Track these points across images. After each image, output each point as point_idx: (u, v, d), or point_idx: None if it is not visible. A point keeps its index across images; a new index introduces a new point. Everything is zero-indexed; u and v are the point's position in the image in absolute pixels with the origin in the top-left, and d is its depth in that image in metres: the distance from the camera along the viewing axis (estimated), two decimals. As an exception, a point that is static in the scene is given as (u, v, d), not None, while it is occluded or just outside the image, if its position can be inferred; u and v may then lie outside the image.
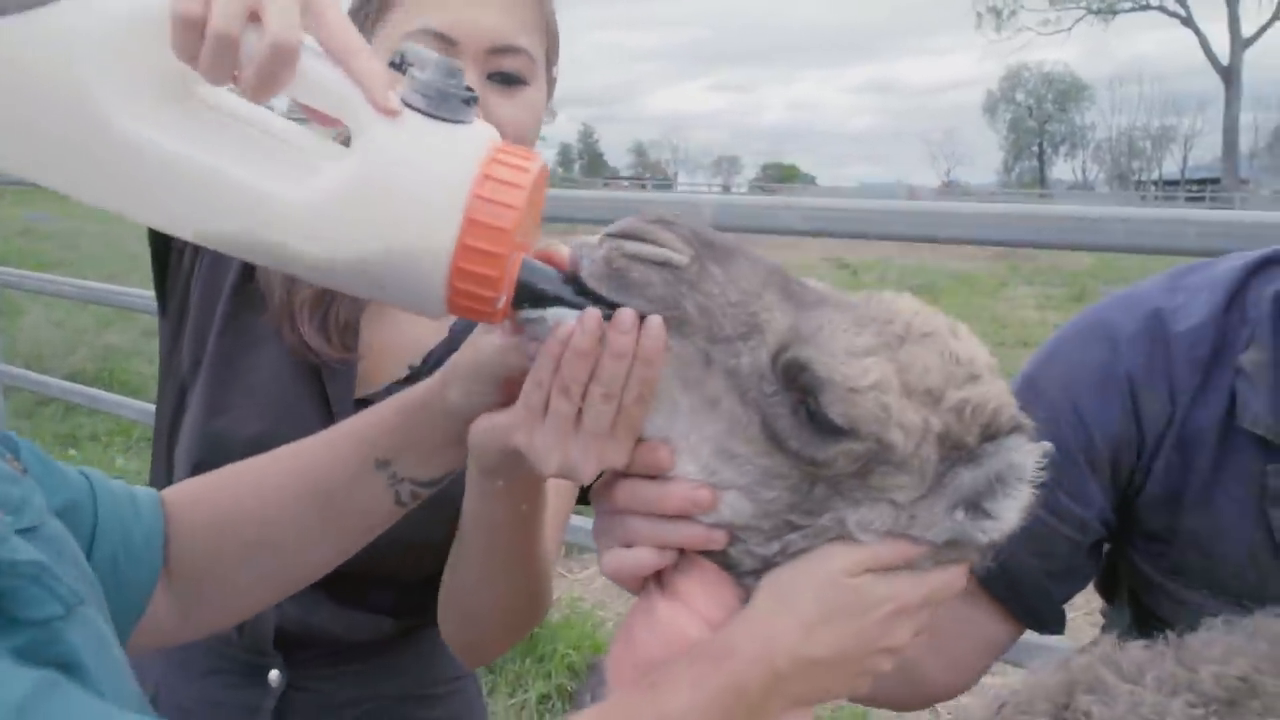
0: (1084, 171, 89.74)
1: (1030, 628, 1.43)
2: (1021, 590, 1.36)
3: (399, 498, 1.07)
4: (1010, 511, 0.93)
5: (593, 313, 0.86)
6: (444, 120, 0.83)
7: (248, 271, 1.37)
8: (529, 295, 0.87)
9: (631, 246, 0.88)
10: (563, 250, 0.92)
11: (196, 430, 1.34)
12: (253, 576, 1.07)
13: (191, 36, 0.76)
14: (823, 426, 0.90)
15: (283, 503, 1.05)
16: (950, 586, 0.98)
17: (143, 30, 0.78)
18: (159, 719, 0.71)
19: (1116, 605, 1.59)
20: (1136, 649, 1.11)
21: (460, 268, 0.82)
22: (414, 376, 1.33)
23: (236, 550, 1.05)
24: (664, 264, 0.88)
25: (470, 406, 1.00)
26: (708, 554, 0.96)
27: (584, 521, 4.02)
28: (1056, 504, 1.32)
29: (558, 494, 1.33)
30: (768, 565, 0.95)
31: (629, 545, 0.96)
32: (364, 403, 1.26)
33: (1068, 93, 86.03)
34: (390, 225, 0.81)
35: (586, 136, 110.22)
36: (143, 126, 0.79)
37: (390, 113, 0.80)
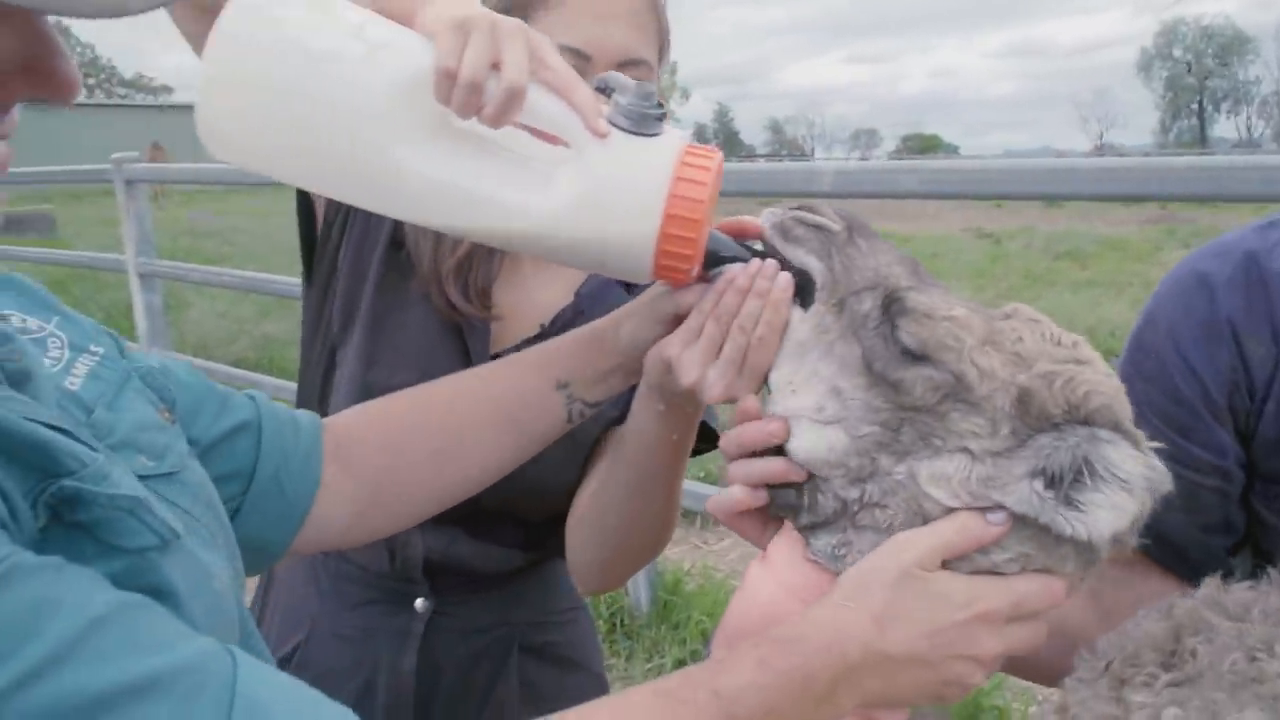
0: (1249, 128, 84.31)
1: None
2: (1184, 552, 1.35)
3: (570, 416, 1.26)
4: (1101, 509, 0.92)
5: (753, 261, 1.09)
6: (643, 135, 1.05)
7: (397, 241, 1.49)
8: (714, 260, 1.11)
9: (800, 214, 1.08)
10: (754, 220, 1.14)
11: (355, 381, 1.47)
12: (433, 484, 1.23)
13: (448, 85, 1.00)
14: (902, 348, 1.00)
15: (470, 415, 1.22)
16: (1042, 597, 0.96)
17: (416, 86, 1.02)
18: (242, 650, 0.74)
19: (1240, 555, 1.57)
20: (1241, 589, 1.09)
21: (664, 249, 1.05)
22: (543, 335, 1.45)
23: (420, 457, 1.20)
24: (820, 228, 1.07)
25: (636, 342, 1.20)
26: (797, 507, 1.03)
27: (714, 491, 4.09)
28: (1192, 457, 1.32)
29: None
30: (846, 513, 1.00)
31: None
32: (497, 357, 1.41)
33: (1229, 46, 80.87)
34: (611, 223, 1.06)
35: (722, 115, 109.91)
36: (413, 156, 1.04)
37: (601, 134, 1.03)
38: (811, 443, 1.02)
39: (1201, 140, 78.66)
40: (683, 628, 4.08)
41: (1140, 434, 0.96)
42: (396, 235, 1.49)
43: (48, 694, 0.63)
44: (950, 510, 0.96)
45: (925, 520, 0.97)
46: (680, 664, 3.93)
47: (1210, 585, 1.10)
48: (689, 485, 3.95)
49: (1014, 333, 0.98)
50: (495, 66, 1.01)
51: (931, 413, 0.98)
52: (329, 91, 1.01)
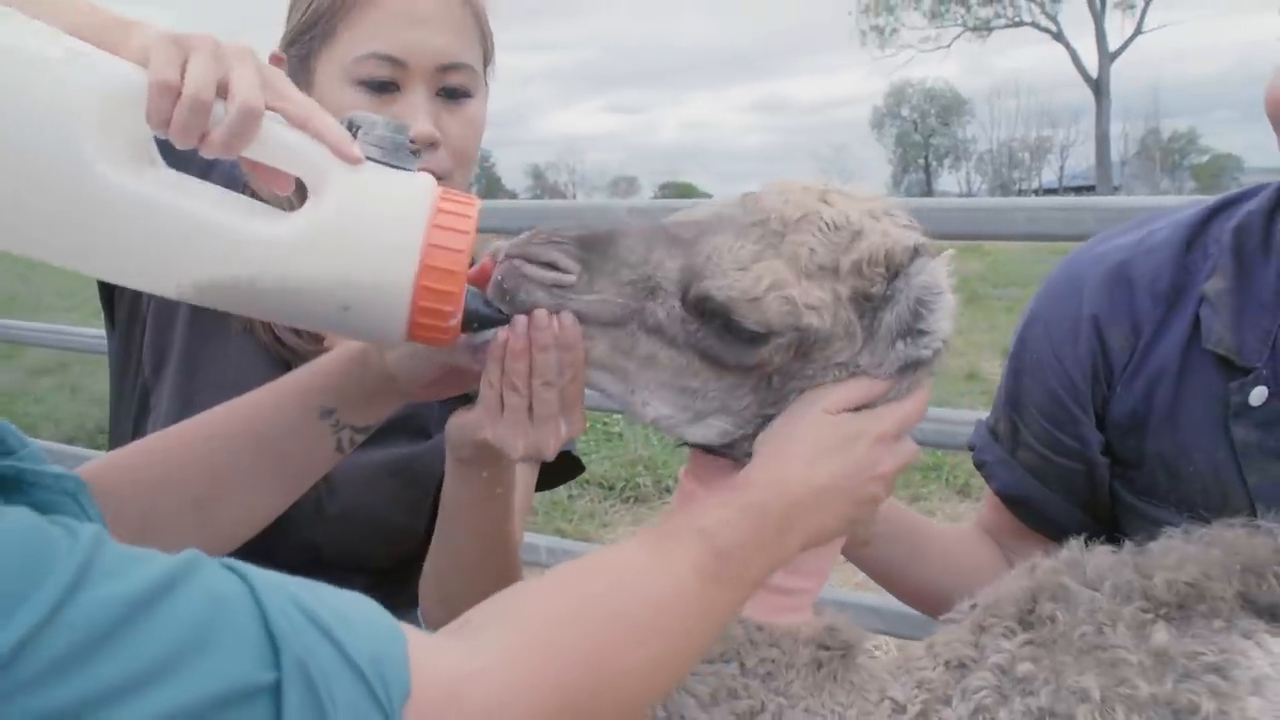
0: (969, 183, 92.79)
1: None
2: (1063, 527, 1.44)
3: (339, 444, 1.18)
4: (941, 322, 1.08)
5: (520, 319, 1.02)
6: (396, 168, 0.96)
7: None
8: (476, 319, 1.02)
9: (527, 270, 1.02)
10: (487, 262, 1.06)
11: (170, 423, 1.34)
12: (195, 535, 1.09)
13: (166, 101, 0.86)
14: (745, 336, 1.03)
15: (232, 453, 1.11)
16: (916, 412, 1.13)
17: (124, 101, 0.86)
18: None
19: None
20: (1101, 554, 1.19)
21: (421, 305, 0.94)
22: None
23: (175, 509, 1.09)
24: (558, 285, 1.03)
25: (404, 369, 1.14)
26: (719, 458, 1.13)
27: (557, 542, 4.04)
28: (1063, 446, 1.45)
29: (521, 498, 1.42)
30: None
31: None
32: None
33: (950, 107, 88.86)
34: (359, 261, 0.92)
35: (483, 160, 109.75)
36: (125, 178, 0.86)
37: (355, 160, 0.92)
38: (700, 435, 1.10)
39: (928, 192, 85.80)
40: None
41: (917, 238, 1.10)
42: None
43: (81, 615, 0.63)
44: None
45: None
46: None
47: (1073, 547, 1.21)
48: (534, 538, 3.87)
49: (804, 249, 1.05)
50: (222, 88, 0.89)
51: (797, 361, 1.08)
52: (28, 104, 0.82)
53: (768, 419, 1.10)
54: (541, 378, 1.02)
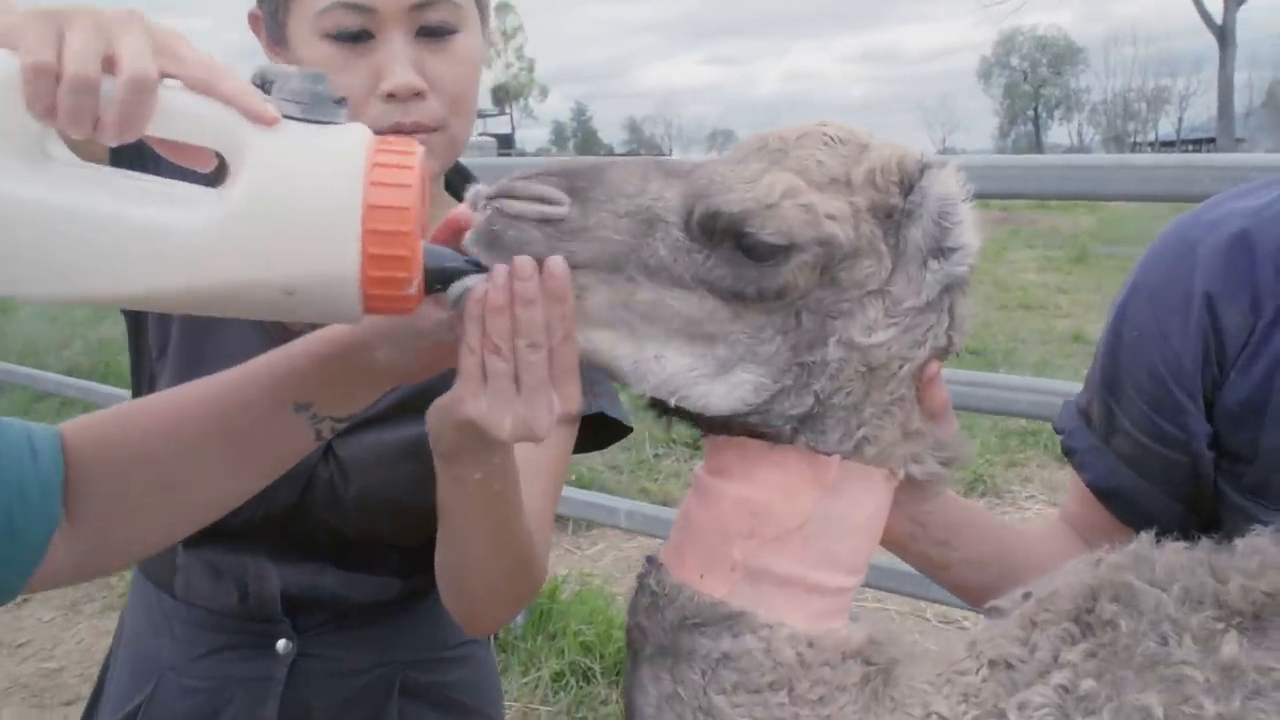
0: (1080, 135, 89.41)
1: None
2: (1156, 519, 1.29)
3: (319, 434, 1.07)
4: (968, 234, 0.99)
5: (500, 268, 0.89)
6: (320, 123, 0.84)
7: None
8: (439, 277, 0.90)
9: (512, 206, 0.91)
10: (468, 213, 0.93)
11: None
12: (163, 515, 1.07)
13: (46, 86, 0.75)
14: (763, 254, 0.93)
15: (196, 440, 1.04)
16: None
17: None
18: None
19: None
20: (1174, 551, 1.07)
21: (371, 275, 0.83)
22: None
23: (145, 490, 1.04)
24: (545, 220, 0.91)
25: (395, 367, 1.01)
26: (738, 433, 1.01)
27: (592, 497, 3.98)
28: (1164, 433, 1.29)
29: (549, 464, 1.32)
30: (809, 420, 0.99)
31: None
32: None
33: (1062, 56, 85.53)
34: (293, 238, 0.81)
35: (580, 114, 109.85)
36: (20, 187, 0.77)
37: (270, 121, 0.81)
38: (721, 398, 0.97)
39: (1037, 145, 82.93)
40: (560, 638, 3.94)
41: (922, 152, 1.03)
42: None
43: None
44: (891, 346, 1.00)
45: (879, 370, 1.00)
46: (558, 676, 3.80)
47: (1144, 541, 1.10)
48: (614, 501, 3.81)
49: (811, 161, 0.97)
50: (108, 64, 0.77)
51: (821, 287, 0.97)
52: None
53: (806, 370, 0.97)
54: (527, 338, 0.89)
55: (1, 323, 8.72)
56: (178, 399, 1.06)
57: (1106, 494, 1.39)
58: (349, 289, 0.83)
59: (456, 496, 1.08)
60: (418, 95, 1.24)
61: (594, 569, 4.84)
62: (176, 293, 0.82)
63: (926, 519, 1.26)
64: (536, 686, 3.72)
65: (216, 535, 1.32)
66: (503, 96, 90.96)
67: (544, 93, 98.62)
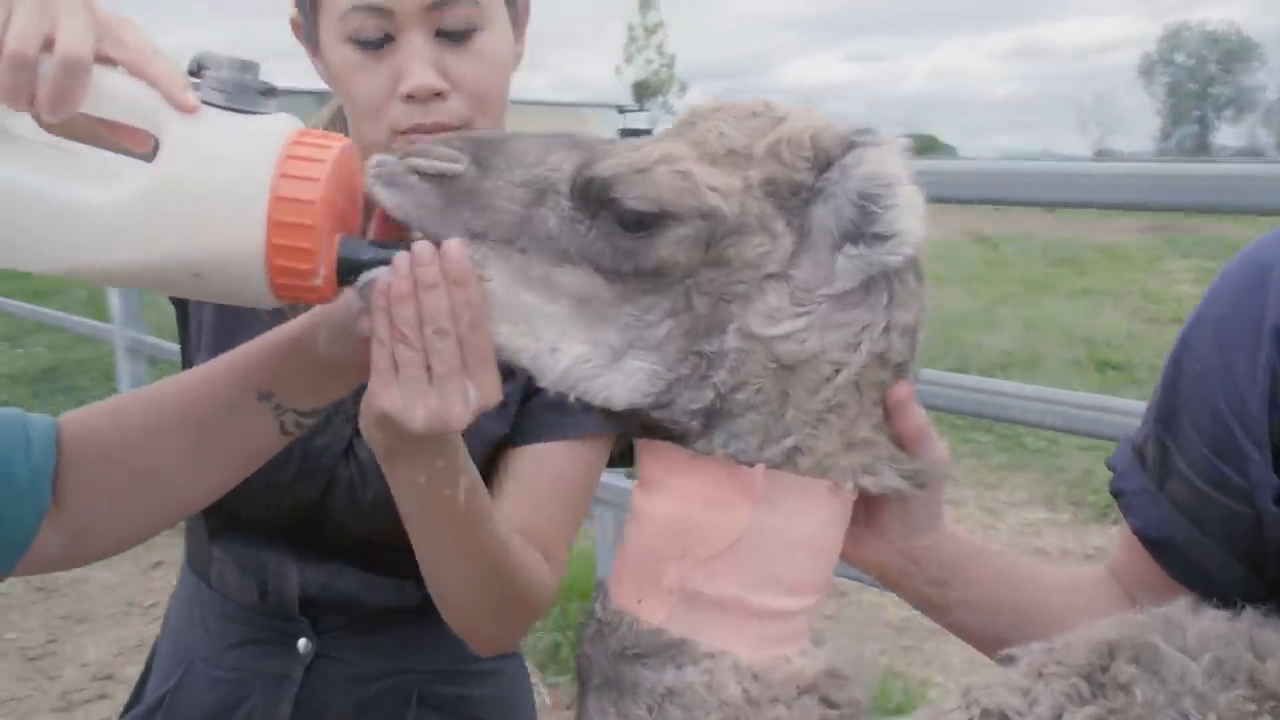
0: (1253, 137, 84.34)
1: None
2: (1213, 580, 1.16)
3: (284, 427, 1.09)
4: (903, 219, 0.87)
5: (400, 255, 0.89)
6: (242, 112, 0.88)
7: None
8: (352, 268, 0.91)
9: (412, 161, 0.91)
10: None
11: None
12: (140, 506, 1.11)
13: None
14: (634, 223, 0.88)
15: (167, 434, 1.08)
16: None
17: None
18: None
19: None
20: (1212, 617, 0.97)
21: (276, 264, 0.86)
22: None
23: (124, 480, 1.08)
24: (441, 175, 0.90)
25: (336, 353, 1.03)
26: (658, 435, 0.95)
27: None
28: (1219, 476, 1.14)
29: (564, 484, 1.33)
30: (715, 416, 0.91)
31: None
32: None
33: (1234, 52, 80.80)
34: (201, 223, 0.85)
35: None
36: None
37: (188, 108, 0.85)
38: (620, 389, 0.92)
39: (1203, 147, 78.76)
40: (564, 613, 3.98)
41: (862, 127, 0.91)
42: None
43: None
44: (803, 339, 0.90)
45: (788, 365, 0.90)
46: (555, 649, 3.84)
47: (1180, 603, 1.00)
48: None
49: (713, 133, 0.91)
50: (49, 44, 0.82)
51: (709, 267, 0.90)
52: None
53: (705, 360, 0.90)
54: (433, 324, 0.88)
55: (153, 300, 9.21)
56: (158, 390, 1.11)
57: (1156, 544, 1.21)
58: (254, 274, 0.87)
59: (407, 501, 1.07)
60: (438, 95, 1.24)
61: (588, 532, 4.76)
62: (95, 269, 0.87)
63: (920, 555, 1.13)
64: (531, 660, 3.80)
65: (242, 530, 1.39)
66: (642, 92, 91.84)
67: (684, 88, 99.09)
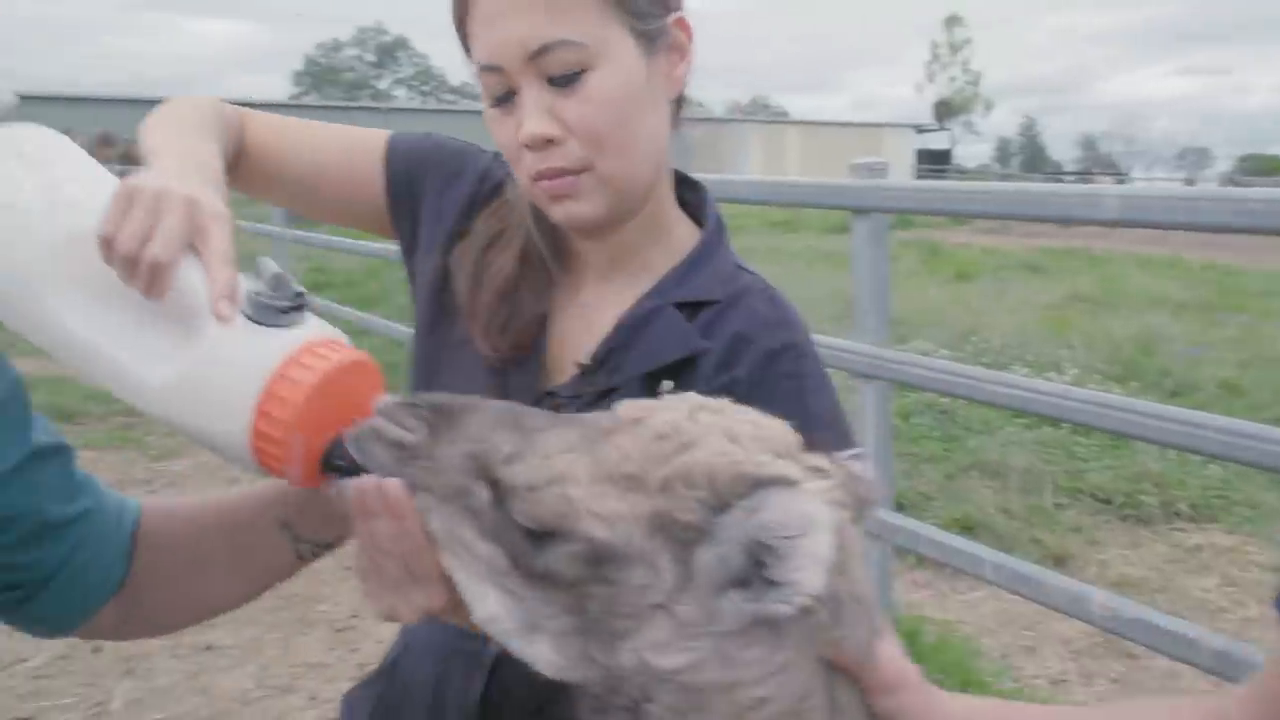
0: None
1: None
2: None
3: (301, 554, 1.23)
4: (801, 573, 0.82)
5: (352, 484, 1.00)
6: (265, 326, 1.02)
7: (443, 280, 1.43)
8: (330, 468, 1.04)
9: (376, 425, 0.98)
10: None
11: None
12: (186, 596, 1.25)
13: (106, 251, 1.01)
14: (529, 536, 0.90)
15: (211, 537, 1.23)
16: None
17: (86, 245, 1.03)
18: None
19: None
20: None
21: (259, 448, 1.02)
22: (587, 369, 1.34)
23: (179, 569, 1.23)
24: (399, 444, 0.97)
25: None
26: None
27: (960, 543, 3.72)
28: None
29: None
30: (638, 714, 0.89)
31: None
32: (551, 395, 1.33)
33: None
34: (212, 412, 1.03)
35: (1028, 129, 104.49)
36: (70, 314, 1.05)
37: (221, 317, 1.00)
38: (538, 655, 0.93)
39: None
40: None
41: (785, 462, 0.89)
42: (443, 272, 1.42)
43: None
44: (698, 670, 0.86)
45: (696, 689, 0.86)
46: None
47: None
48: (927, 532, 3.63)
49: (617, 452, 0.90)
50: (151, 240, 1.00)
51: (597, 583, 0.88)
52: (4, 238, 1.04)
53: (607, 671, 0.89)
54: (375, 545, 0.99)
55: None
56: (202, 504, 1.28)
57: None
58: (247, 461, 1.04)
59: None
60: (550, 142, 1.26)
61: (965, 615, 4.55)
62: (149, 412, 1.06)
63: None
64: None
65: None
66: (944, 111, 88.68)
67: (989, 106, 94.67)
